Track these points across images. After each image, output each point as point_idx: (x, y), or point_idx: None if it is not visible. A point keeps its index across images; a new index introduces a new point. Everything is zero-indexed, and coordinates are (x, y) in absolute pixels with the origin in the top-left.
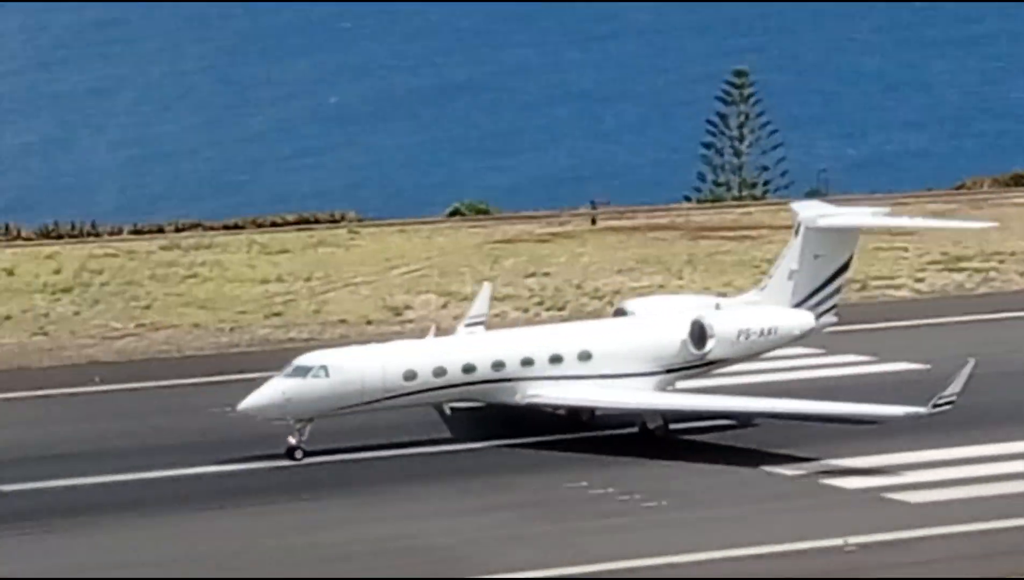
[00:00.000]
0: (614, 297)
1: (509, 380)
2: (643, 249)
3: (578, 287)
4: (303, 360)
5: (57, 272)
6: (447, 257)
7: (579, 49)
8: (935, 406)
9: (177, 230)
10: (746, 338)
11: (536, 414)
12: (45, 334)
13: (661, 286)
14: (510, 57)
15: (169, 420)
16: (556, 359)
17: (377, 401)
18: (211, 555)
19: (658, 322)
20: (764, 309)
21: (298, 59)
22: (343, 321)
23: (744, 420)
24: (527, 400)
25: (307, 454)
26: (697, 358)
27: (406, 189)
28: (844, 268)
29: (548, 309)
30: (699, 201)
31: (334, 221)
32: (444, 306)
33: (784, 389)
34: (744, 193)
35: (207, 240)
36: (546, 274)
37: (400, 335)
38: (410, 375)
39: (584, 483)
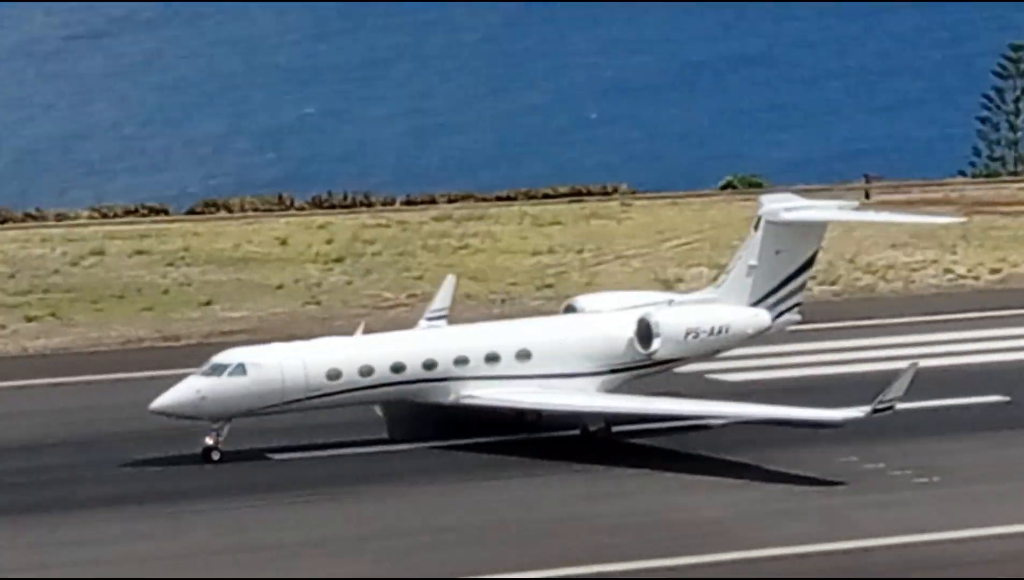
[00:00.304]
0: (887, 272)
1: (441, 380)
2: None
3: (851, 261)
4: (220, 358)
5: (329, 242)
6: (719, 230)
7: (859, 23)
8: (875, 410)
9: (449, 201)
10: (695, 337)
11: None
12: (317, 303)
13: (935, 261)
14: (790, 31)
15: None
16: (492, 358)
17: (299, 401)
18: (490, 519)
19: (603, 320)
20: (716, 307)
21: (576, 32)
22: None
23: (687, 422)
24: (461, 401)
25: (224, 456)
26: (644, 358)
27: (681, 162)
28: (808, 264)
29: (820, 283)
30: (974, 176)
31: (606, 193)
32: (715, 279)
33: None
34: (1020, 168)
35: (479, 211)
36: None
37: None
38: (334, 374)
39: (855, 458)
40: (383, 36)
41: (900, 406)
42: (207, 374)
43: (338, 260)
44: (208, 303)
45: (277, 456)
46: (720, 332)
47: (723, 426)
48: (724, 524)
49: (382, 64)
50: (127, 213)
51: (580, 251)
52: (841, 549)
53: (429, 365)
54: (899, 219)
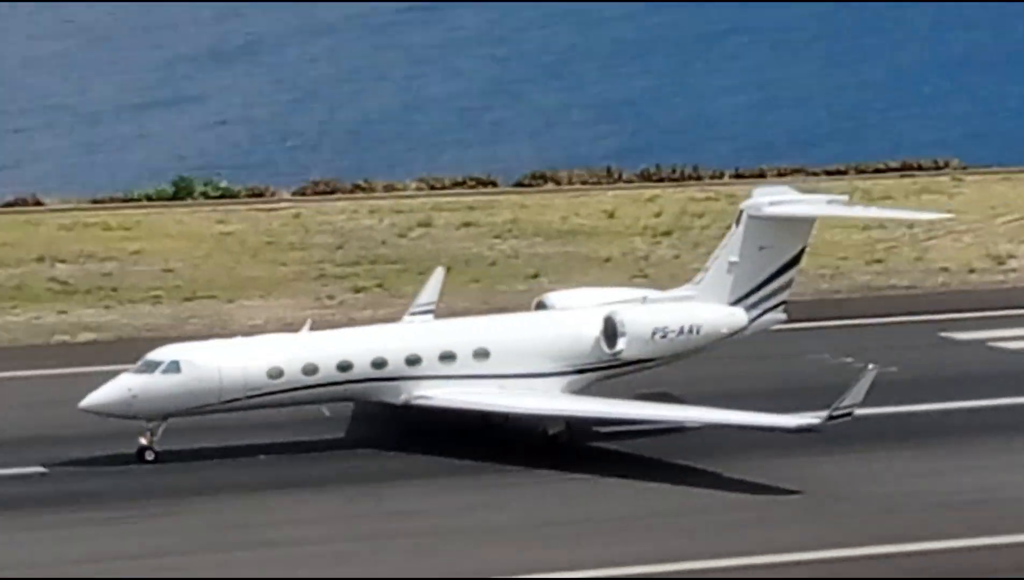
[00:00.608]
0: None
1: (391, 379)
2: None
3: None
4: (154, 354)
5: (658, 215)
6: None
7: None
8: (831, 417)
9: (779, 175)
10: (663, 337)
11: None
12: (645, 276)
13: None
14: None
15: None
16: (447, 357)
17: (238, 400)
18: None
19: (568, 317)
20: (688, 305)
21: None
22: (944, 269)
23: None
24: (413, 402)
25: (158, 456)
26: (610, 358)
27: (1017, 138)
28: (794, 262)
29: None
30: None
31: (937, 168)
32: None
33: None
34: None
35: (809, 185)
36: None
37: (1002, 286)
38: (275, 373)
39: None
40: (718, 8)
41: None
42: (140, 371)
43: (666, 233)
44: (535, 276)
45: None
46: (691, 332)
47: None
48: None
49: (718, 37)
50: (455, 185)
51: (911, 226)
52: None
53: (378, 364)
54: (888, 215)
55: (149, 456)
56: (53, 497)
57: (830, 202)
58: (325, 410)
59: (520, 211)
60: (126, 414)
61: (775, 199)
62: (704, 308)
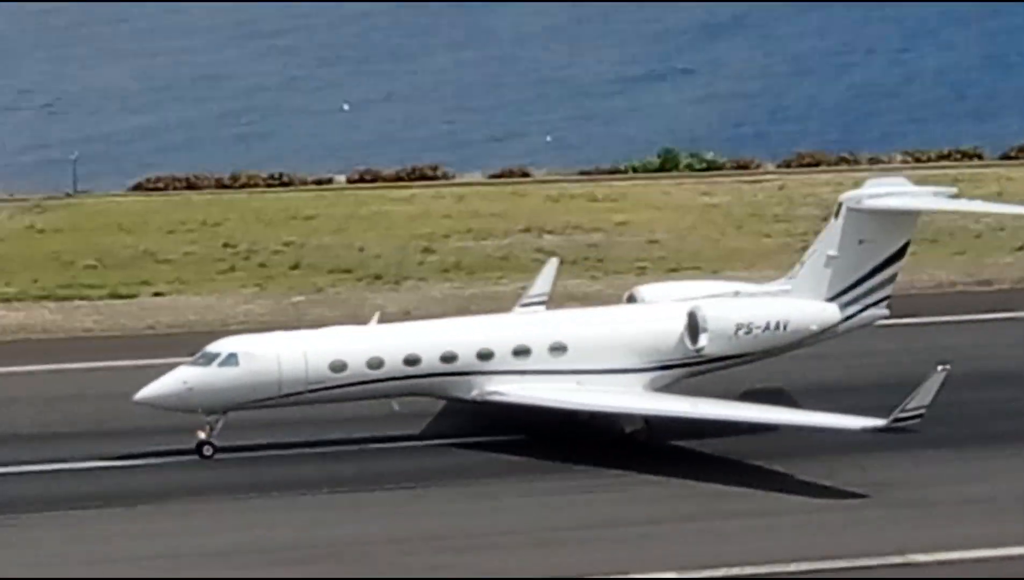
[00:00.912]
0: None
1: (462, 374)
2: None
3: None
4: (213, 346)
5: None
6: None
7: None
8: (896, 419)
9: None
10: (747, 333)
11: None
12: None
13: None
14: None
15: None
16: (521, 352)
17: (299, 394)
18: None
19: (651, 311)
20: (776, 301)
21: None
22: None
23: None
24: (485, 397)
25: (217, 451)
26: (693, 354)
27: None
28: (897, 256)
29: None
30: None
31: None
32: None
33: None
34: None
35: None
36: None
37: None
38: (339, 366)
39: None
40: None
41: None
42: (196, 363)
43: None
44: (1021, 248)
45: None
46: (777, 328)
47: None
48: None
49: None
50: (940, 158)
51: None
52: None
53: (448, 358)
54: (999, 209)
55: (207, 450)
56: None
57: (935, 195)
58: (395, 404)
59: (1007, 184)
60: (182, 407)
61: (875, 191)
62: (792, 304)
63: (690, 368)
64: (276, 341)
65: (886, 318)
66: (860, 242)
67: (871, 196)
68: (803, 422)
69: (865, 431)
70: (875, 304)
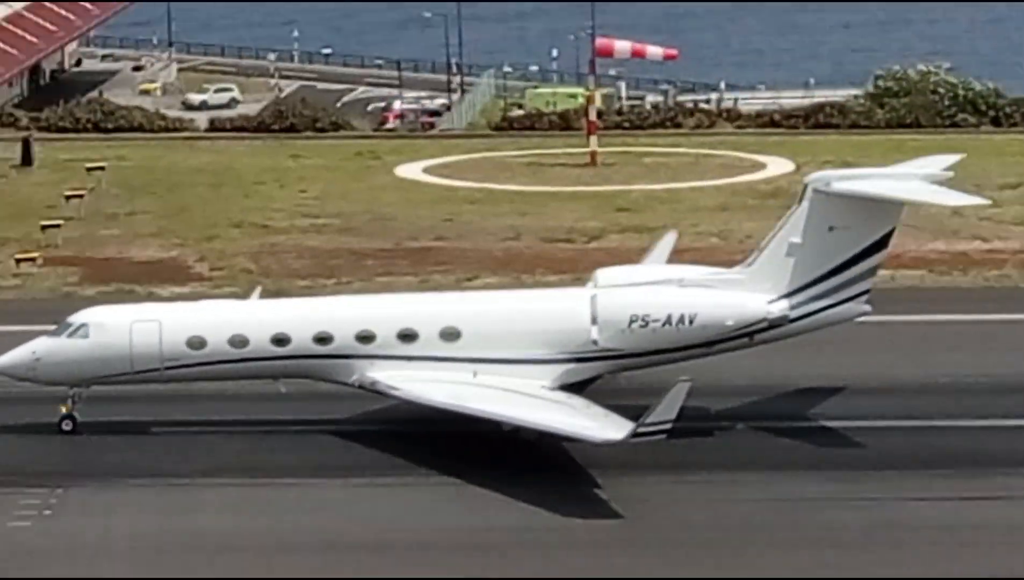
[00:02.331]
0: None
1: (337, 357)
2: None
3: None
4: (73, 316)
5: None
6: None
7: None
8: (636, 434)
9: None
10: (642, 326)
11: None
12: None
13: None
14: None
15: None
16: (408, 336)
17: (154, 370)
18: None
19: (559, 297)
20: (687, 291)
21: None
22: None
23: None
24: (364, 383)
25: (76, 427)
26: (591, 348)
27: None
28: (877, 246)
29: None
30: None
31: None
32: None
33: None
34: None
35: None
36: None
37: None
38: (197, 343)
39: None
40: None
41: None
42: (53, 334)
43: None
44: None
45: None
46: (681, 322)
47: None
48: None
49: None
50: None
51: None
52: None
53: (322, 338)
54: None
55: (66, 425)
56: None
57: (924, 180)
58: (282, 387)
59: None
60: (30, 378)
61: (846, 173)
62: (709, 295)
63: (591, 363)
64: (132, 313)
65: (866, 314)
66: (830, 229)
67: (839, 178)
68: (545, 426)
69: (607, 444)
70: (853, 298)
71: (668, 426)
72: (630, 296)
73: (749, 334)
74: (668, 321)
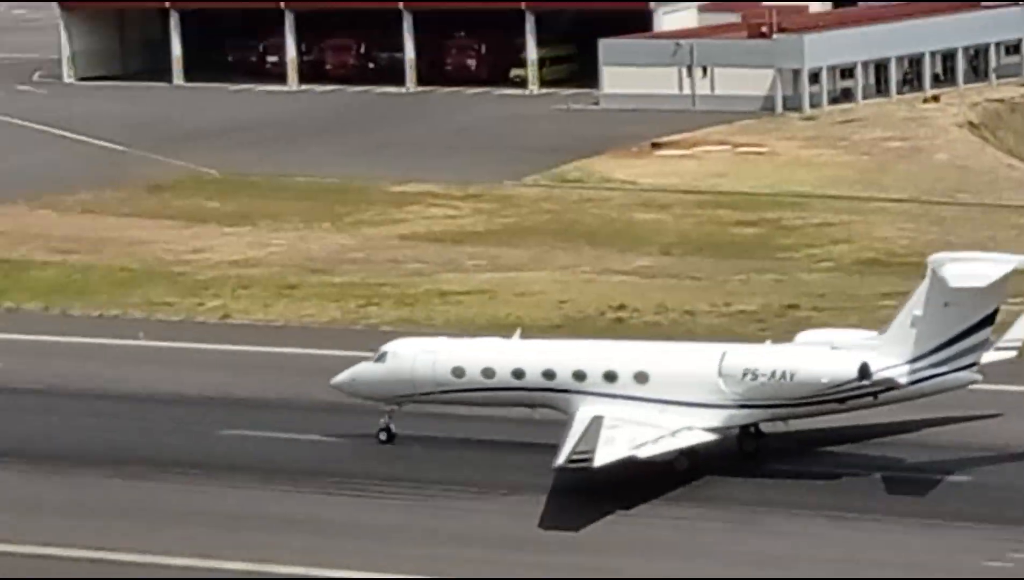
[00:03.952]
0: None
1: (559, 391)
2: None
3: None
4: (384, 346)
5: None
6: None
7: None
8: (562, 465)
9: None
10: (752, 378)
11: None
12: None
13: None
14: None
15: None
16: (611, 377)
17: (431, 394)
18: None
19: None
20: (791, 349)
21: None
22: None
23: None
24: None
25: (391, 438)
26: (720, 394)
27: None
28: (986, 321)
29: None
30: None
31: None
32: None
33: None
34: None
35: None
36: None
37: None
38: (459, 372)
39: None
40: None
41: None
42: (371, 360)
43: None
44: None
45: None
46: (783, 377)
47: None
48: None
49: None
50: None
51: None
52: None
53: (548, 374)
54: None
55: (382, 436)
56: None
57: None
58: (536, 414)
59: None
60: (353, 395)
61: (960, 255)
62: (811, 354)
63: (729, 410)
64: (421, 344)
65: (975, 383)
66: (946, 305)
67: (955, 260)
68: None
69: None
70: (964, 368)
71: (590, 456)
72: (749, 353)
73: (871, 394)
74: (772, 375)
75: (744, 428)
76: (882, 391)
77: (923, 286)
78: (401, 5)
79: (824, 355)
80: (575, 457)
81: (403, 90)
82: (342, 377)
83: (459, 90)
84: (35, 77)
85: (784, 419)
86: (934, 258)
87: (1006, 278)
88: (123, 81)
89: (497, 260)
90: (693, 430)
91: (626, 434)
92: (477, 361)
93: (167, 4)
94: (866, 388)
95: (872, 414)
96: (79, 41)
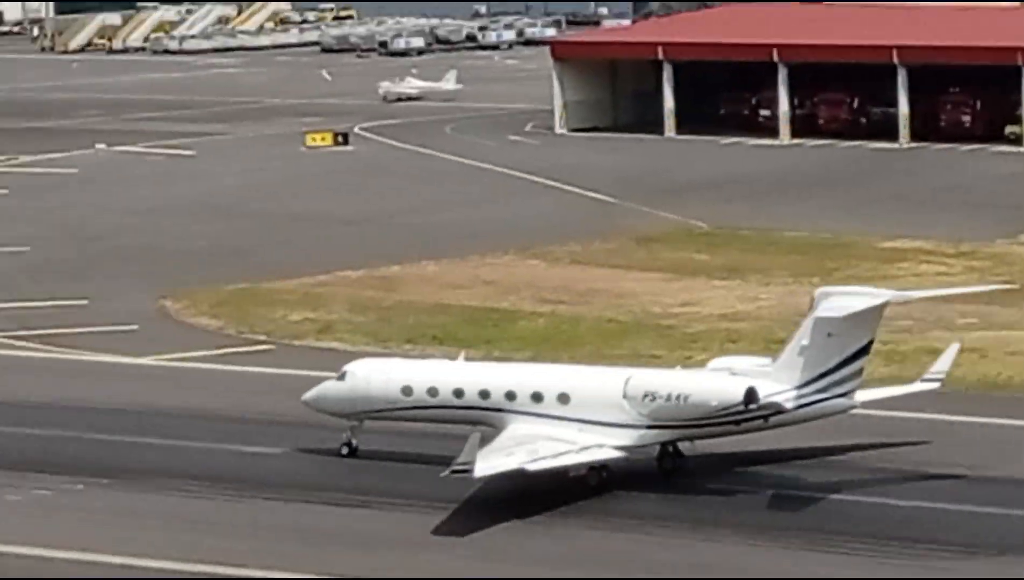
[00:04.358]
0: None
1: (494, 410)
2: None
3: None
4: (346, 366)
5: None
6: None
7: None
8: (453, 471)
9: None
10: (651, 400)
11: None
12: None
13: None
14: None
15: None
16: (537, 397)
17: (385, 410)
18: None
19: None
20: (699, 374)
21: None
22: None
23: None
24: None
25: (352, 452)
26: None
27: None
28: (863, 351)
29: None
30: None
31: None
32: None
33: None
34: None
35: None
36: None
37: None
38: (407, 391)
39: None
40: None
41: None
42: (336, 378)
43: None
44: None
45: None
46: (678, 399)
47: None
48: None
49: None
50: None
51: None
52: None
53: (484, 394)
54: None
55: (343, 451)
56: None
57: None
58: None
59: None
60: (319, 410)
61: (840, 289)
62: (705, 378)
63: (637, 430)
64: (377, 364)
65: (852, 408)
66: (828, 335)
67: (836, 293)
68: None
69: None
70: (842, 395)
71: (471, 467)
72: (651, 377)
73: (761, 417)
74: (668, 398)
75: (663, 447)
76: (770, 415)
77: (810, 317)
78: (896, 60)
79: (717, 380)
80: (458, 468)
81: (896, 145)
82: (310, 394)
83: (953, 146)
84: (528, 128)
85: (690, 439)
86: (819, 291)
87: (873, 311)
88: (614, 133)
89: (989, 318)
90: (603, 448)
91: (527, 449)
92: (423, 381)
93: (660, 57)
94: (754, 412)
95: (800, 438)
96: (571, 92)
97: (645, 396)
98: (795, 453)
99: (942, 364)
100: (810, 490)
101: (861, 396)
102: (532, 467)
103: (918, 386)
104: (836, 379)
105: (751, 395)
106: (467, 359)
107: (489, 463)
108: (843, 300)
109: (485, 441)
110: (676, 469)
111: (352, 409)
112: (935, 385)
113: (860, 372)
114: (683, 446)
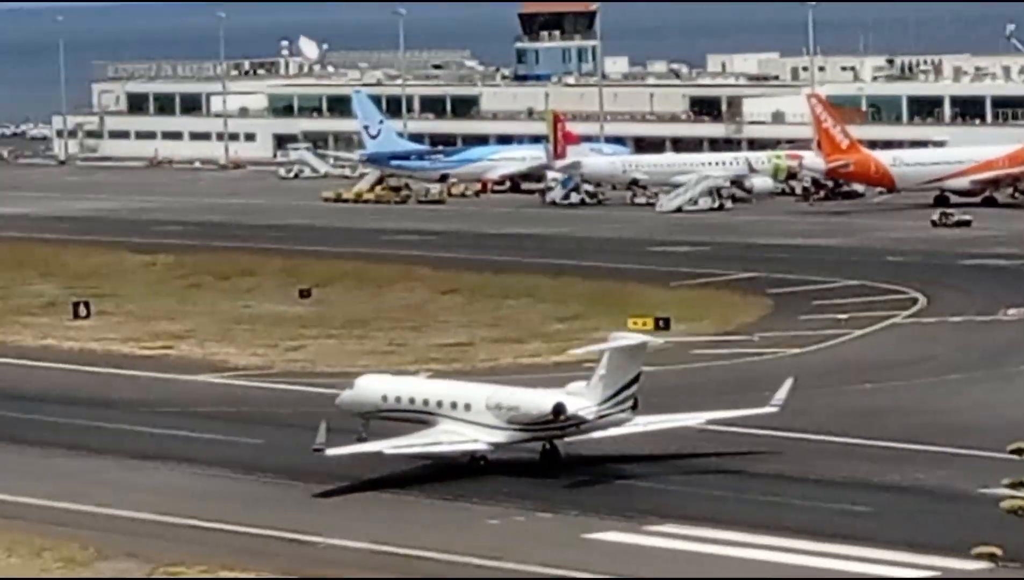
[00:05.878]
0: None
1: (435, 414)
2: None
3: None
4: (357, 379)
5: None
6: None
7: None
8: (314, 450)
9: None
10: (499, 409)
11: None
12: None
13: None
14: None
15: None
16: (467, 406)
17: (376, 411)
18: None
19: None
20: (525, 390)
21: None
22: None
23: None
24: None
25: (359, 441)
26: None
27: None
28: (635, 380)
29: None
30: None
31: None
32: None
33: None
34: None
35: None
36: None
37: None
38: (385, 398)
39: None
40: None
41: None
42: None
43: None
44: None
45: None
46: (512, 410)
47: None
48: None
49: None
50: None
51: None
52: None
53: (426, 402)
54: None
55: (355, 439)
56: None
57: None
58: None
59: None
60: (348, 413)
61: (616, 334)
62: (524, 393)
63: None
64: (371, 378)
65: (628, 421)
66: (616, 366)
67: (617, 337)
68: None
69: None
70: (626, 410)
71: (323, 447)
72: (502, 392)
73: (573, 425)
74: (508, 409)
75: (543, 444)
76: (577, 424)
77: (607, 352)
78: None
79: (540, 396)
80: (316, 447)
81: None
82: (338, 399)
83: None
84: None
85: (537, 440)
86: (613, 335)
87: (631, 349)
88: None
89: None
90: (478, 442)
91: (406, 439)
92: (397, 391)
93: None
94: (566, 421)
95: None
96: None
97: (497, 406)
98: (661, 457)
99: (781, 394)
100: (606, 477)
101: (712, 415)
102: (388, 451)
103: (764, 409)
104: (621, 399)
105: (558, 409)
106: (428, 377)
107: (347, 447)
108: (626, 339)
109: (345, 430)
110: (554, 462)
111: (359, 410)
112: (775, 409)
113: (634, 395)
114: (560, 447)
